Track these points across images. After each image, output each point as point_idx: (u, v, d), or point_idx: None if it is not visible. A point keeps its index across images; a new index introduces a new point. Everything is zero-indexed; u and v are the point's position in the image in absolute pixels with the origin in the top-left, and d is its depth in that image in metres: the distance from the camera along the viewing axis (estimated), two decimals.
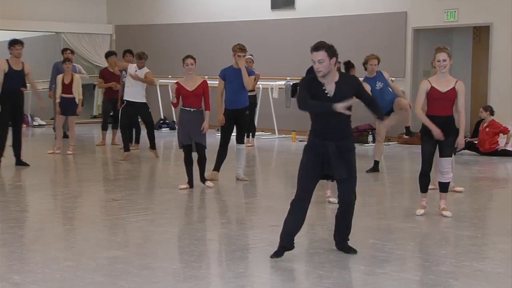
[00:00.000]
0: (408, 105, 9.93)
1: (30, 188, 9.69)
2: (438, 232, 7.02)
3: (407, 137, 11.32)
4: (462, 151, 12.83)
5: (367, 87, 10.30)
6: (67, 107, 12.55)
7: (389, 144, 11.58)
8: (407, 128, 10.25)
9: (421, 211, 7.57)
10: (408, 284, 5.23)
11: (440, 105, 7.30)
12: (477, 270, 5.55)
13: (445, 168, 7.47)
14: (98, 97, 18.74)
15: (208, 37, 17.44)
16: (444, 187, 7.57)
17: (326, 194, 8.19)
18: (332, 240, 6.04)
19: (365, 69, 10.30)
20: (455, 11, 14.20)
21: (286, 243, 5.75)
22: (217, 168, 9.66)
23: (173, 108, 11.31)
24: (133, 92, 11.72)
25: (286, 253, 5.82)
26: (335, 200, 8.08)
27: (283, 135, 15.61)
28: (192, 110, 9.01)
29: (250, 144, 13.74)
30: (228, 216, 7.99)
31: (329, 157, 5.60)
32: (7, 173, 10.62)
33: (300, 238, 6.61)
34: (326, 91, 5.60)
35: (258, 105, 15.05)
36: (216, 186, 9.31)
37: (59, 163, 12.02)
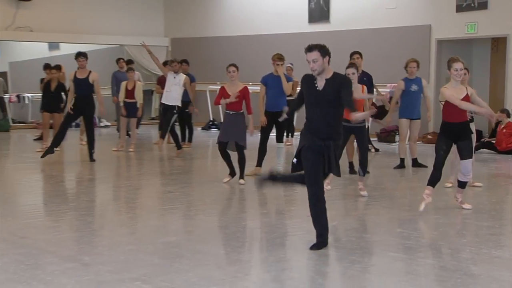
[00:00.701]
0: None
1: (98, 181, 9.83)
2: (459, 223, 6.92)
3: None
4: (481, 149, 12.68)
5: (401, 86, 10.25)
6: (129, 110, 12.71)
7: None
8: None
9: (423, 205, 7.08)
10: (432, 269, 5.17)
11: (456, 111, 6.96)
12: (495, 257, 5.45)
13: (468, 170, 7.11)
14: (156, 101, 18.92)
15: (252, 48, 17.47)
16: (463, 185, 7.27)
17: (358, 186, 8.12)
18: (362, 228, 5.99)
19: (406, 71, 10.31)
20: (475, 24, 13.98)
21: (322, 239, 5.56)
22: (259, 164, 9.67)
23: (220, 110, 11.39)
24: (168, 96, 11.89)
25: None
26: (366, 193, 8.04)
27: None
28: (231, 113, 8.95)
29: (289, 143, 13.71)
30: (269, 207, 7.98)
31: (330, 154, 5.47)
32: (80, 168, 10.81)
33: (334, 227, 6.59)
34: (316, 85, 5.56)
35: None
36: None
37: (122, 159, 12.17)
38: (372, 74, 11.05)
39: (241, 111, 8.99)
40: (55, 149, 11.24)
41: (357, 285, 4.82)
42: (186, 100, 13.48)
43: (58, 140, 11.17)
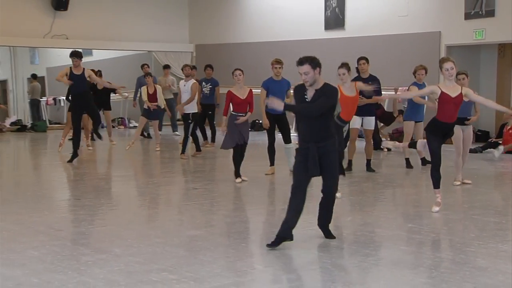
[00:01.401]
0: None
1: (127, 178, 9.89)
2: (467, 218, 6.86)
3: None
4: (488, 149, 12.55)
5: (414, 90, 10.15)
6: (151, 113, 12.75)
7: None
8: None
9: (437, 208, 6.92)
10: (442, 262, 5.13)
11: (449, 109, 6.82)
12: (502, 251, 5.40)
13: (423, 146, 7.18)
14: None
15: (271, 54, 17.33)
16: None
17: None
18: (377, 223, 5.97)
19: (415, 77, 10.20)
20: (482, 31, 13.85)
21: (284, 234, 5.47)
22: (272, 163, 9.67)
23: None
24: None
25: (337, 235, 5.78)
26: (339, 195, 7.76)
27: None
28: (242, 115, 8.90)
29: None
30: (286, 202, 7.95)
31: (309, 157, 5.41)
32: (110, 166, 10.88)
33: (348, 222, 6.58)
34: (306, 96, 5.51)
35: None
36: (273, 177, 9.34)
37: (148, 158, 12.23)
38: (385, 78, 10.99)
39: (247, 112, 9.02)
40: (84, 148, 11.37)
41: (370, 276, 4.80)
42: (210, 102, 13.54)
43: (77, 142, 10.85)
